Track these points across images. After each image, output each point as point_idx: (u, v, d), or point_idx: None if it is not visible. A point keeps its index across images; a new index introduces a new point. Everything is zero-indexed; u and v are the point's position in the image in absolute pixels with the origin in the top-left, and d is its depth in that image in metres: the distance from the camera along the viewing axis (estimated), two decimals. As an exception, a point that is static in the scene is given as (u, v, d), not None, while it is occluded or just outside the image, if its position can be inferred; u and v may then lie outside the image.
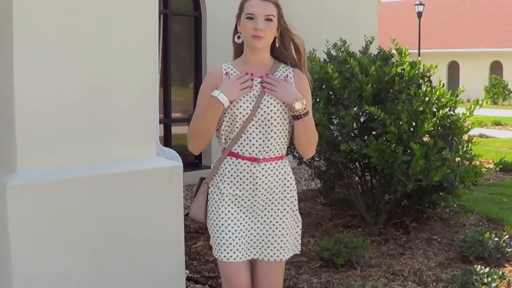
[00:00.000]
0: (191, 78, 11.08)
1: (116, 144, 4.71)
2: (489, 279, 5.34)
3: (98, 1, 4.58)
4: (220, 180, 3.67)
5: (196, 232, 7.15)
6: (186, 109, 10.92)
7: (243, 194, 3.63)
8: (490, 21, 44.84)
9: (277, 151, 3.66)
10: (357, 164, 7.49)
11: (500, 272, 5.55)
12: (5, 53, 4.24)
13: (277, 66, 3.68)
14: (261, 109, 3.56)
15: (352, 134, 7.24)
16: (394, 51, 7.57)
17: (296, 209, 3.79)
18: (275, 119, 3.59)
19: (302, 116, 3.59)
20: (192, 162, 10.44)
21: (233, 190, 3.63)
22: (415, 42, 35.10)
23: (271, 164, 3.64)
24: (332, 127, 7.17)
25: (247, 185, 3.62)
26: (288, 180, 3.73)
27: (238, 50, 3.71)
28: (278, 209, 3.69)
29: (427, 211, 7.77)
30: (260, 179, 3.61)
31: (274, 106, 3.57)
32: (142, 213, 4.73)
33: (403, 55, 7.20)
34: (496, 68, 42.70)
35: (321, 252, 6.14)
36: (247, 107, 3.56)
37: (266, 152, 3.61)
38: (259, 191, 3.63)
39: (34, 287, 4.25)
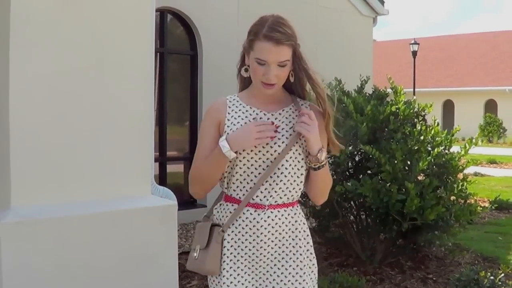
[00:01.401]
0: (187, 117, 11.10)
1: (110, 183, 4.71)
2: (485, 318, 5.32)
3: (95, 40, 4.61)
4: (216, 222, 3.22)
5: (190, 272, 7.10)
6: (182, 148, 10.94)
7: (246, 247, 3.12)
8: (484, 60, 45.13)
9: (287, 196, 3.13)
10: (352, 203, 7.47)
11: (496, 312, 5.52)
12: (1, 94, 4.26)
13: (291, 101, 3.22)
14: (272, 148, 3.07)
15: (347, 173, 7.24)
16: (389, 90, 7.60)
17: (314, 267, 3.27)
18: (286, 160, 3.09)
19: (322, 166, 3.13)
20: (188, 200, 10.42)
21: (235, 242, 3.14)
22: (410, 81, 35.26)
23: (278, 211, 3.11)
24: (327, 166, 7.16)
25: (250, 236, 3.10)
26: (300, 232, 3.18)
27: (246, 80, 3.23)
28: (284, 266, 3.14)
29: (423, 250, 7.76)
30: (265, 229, 3.08)
31: (286, 145, 3.08)
32: (136, 252, 4.72)
33: (398, 94, 7.24)
34: (490, 106, 42.87)
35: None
36: (256, 147, 3.07)
37: (273, 198, 3.09)
38: (266, 244, 3.10)
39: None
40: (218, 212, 3.25)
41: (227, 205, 3.19)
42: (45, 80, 4.37)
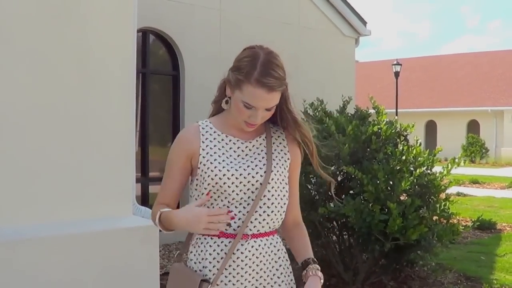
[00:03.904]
0: (169, 137, 11.09)
1: (91, 202, 4.69)
2: (468, 339, 5.31)
3: (78, 59, 4.60)
4: (196, 263, 2.96)
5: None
6: (164, 168, 10.90)
7: (229, 281, 2.90)
8: (467, 81, 45.42)
9: (269, 225, 2.96)
10: (334, 223, 7.46)
11: (479, 332, 5.51)
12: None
13: (264, 128, 3.05)
14: (253, 178, 2.91)
15: (329, 193, 7.23)
16: (371, 111, 7.62)
17: None
18: (269, 190, 2.94)
19: None
20: (170, 221, 10.37)
21: (214, 275, 2.88)
22: (392, 102, 35.38)
23: (261, 240, 2.94)
24: (309, 186, 7.15)
25: (234, 269, 2.90)
26: (282, 260, 3.06)
27: (220, 106, 3.03)
28: None
29: (405, 269, 7.76)
30: (250, 259, 2.91)
31: (272, 178, 2.94)
32: (117, 272, 4.68)
33: (380, 114, 7.26)
34: (473, 126, 43.09)
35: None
36: (236, 178, 2.89)
37: (255, 227, 2.92)
38: (248, 274, 2.93)
39: None
40: (196, 248, 3.00)
41: (211, 238, 2.93)
42: (26, 98, 4.35)
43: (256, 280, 2.96)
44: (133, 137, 5.24)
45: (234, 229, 2.88)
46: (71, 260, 4.46)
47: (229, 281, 2.90)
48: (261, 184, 2.91)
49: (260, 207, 2.92)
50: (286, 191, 3.03)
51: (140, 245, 4.83)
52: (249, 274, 2.93)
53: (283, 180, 3.01)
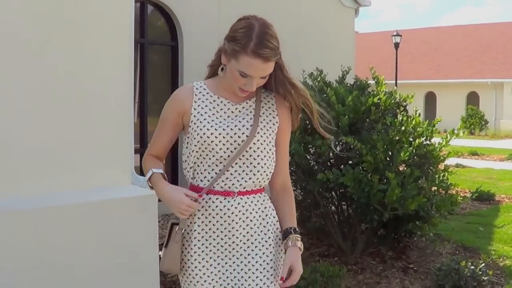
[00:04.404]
0: (168, 108, 11.03)
1: (90, 173, 4.68)
2: (465, 307, 5.33)
3: (74, 30, 4.57)
4: (188, 223, 3.16)
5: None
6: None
7: (217, 236, 3.10)
8: (467, 53, 45.29)
9: (255, 183, 3.11)
10: (333, 193, 7.47)
11: (477, 301, 5.53)
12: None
13: (259, 93, 3.17)
14: (239, 137, 3.05)
15: (328, 163, 7.24)
16: (370, 81, 7.60)
17: (282, 252, 3.22)
18: (254, 143, 3.07)
19: None
20: (169, 191, 10.39)
21: (206, 232, 3.11)
22: (392, 73, 35.26)
23: (248, 198, 3.10)
24: (308, 157, 7.16)
25: (221, 224, 3.08)
26: (269, 217, 3.18)
27: (216, 69, 3.17)
28: (255, 251, 3.13)
29: (404, 240, 7.78)
30: (236, 215, 3.07)
31: (258, 133, 3.07)
32: (116, 242, 4.69)
33: (379, 84, 7.24)
34: (472, 98, 43.04)
35: (297, 281, 6.09)
36: (224, 137, 3.04)
37: (241, 185, 3.07)
38: (236, 231, 3.09)
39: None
40: None
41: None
42: (23, 71, 4.33)
43: (244, 236, 3.12)
44: (131, 106, 5.23)
45: (221, 187, 3.08)
46: (70, 230, 4.46)
47: (217, 236, 3.11)
48: (243, 141, 3.05)
49: (243, 163, 3.08)
50: (273, 153, 3.17)
51: (138, 215, 4.83)
52: (237, 230, 3.10)
53: (270, 142, 3.15)
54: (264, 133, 3.11)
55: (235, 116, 3.11)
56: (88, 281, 4.53)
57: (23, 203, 4.29)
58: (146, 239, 4.89)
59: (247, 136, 3.06)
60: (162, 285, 5.77)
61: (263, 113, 3.15)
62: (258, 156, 3.09)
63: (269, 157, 3.13)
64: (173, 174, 10.69)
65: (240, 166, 3.08)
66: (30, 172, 4.38)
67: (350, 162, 6.99)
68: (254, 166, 3.09)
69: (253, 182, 3.10)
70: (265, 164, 3.11)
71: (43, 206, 4.37)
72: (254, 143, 3.07)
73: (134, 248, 4.79)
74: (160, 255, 3.25)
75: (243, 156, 3.07)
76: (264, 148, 3.11)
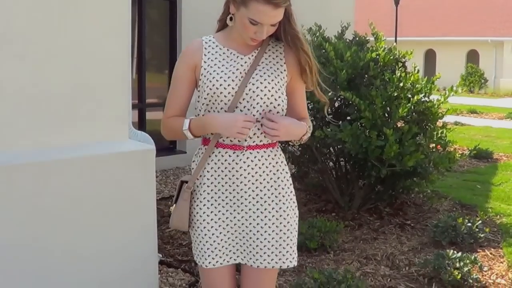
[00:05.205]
0: (166, 64, 11.00)
1: (87, 127, 4.66)
2: (461, 263, 5.35)
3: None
4: (196, 179, 3.17)
5: (169, 216, 7.11)
6: (161, 95, 10.85)
7: (226, 190, 3.11)
8: (467, 10, 45.01)
9: (265, 137, 3.08)
10: (331, 149, 7.47)
11: (473, 257, 5.56)
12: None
13: (266, 43, 3.16)
14: (248, 90, 3.06)
15: (326, 119, 7.23)
16: (369, 37, 7.56)
17: (296, 208, 3.25)
18: (264, 102, 3.05)
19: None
20: (167, 146, 10.41)
21: (215, 186, 3.11)
22: (391, 30, 35.05)
23: (258, 152, 3.09)
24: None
25: (229, 178, 3.08)
26: (281, 173, 3.16)
27: (225, 22, 3.16)
28: (266, 208, 3.12)
29: (401, 196, 7.81)
30: (245, 170, 3.06)
31: (265, 87, 3.06)
32: (114, 197, 4.69)
33: (378, 40, 7.20)
34: (472, 57, 42.91)
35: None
36: (233, 89, 3.05)
37: (251, 138, 3.06)
38: (245, 185, 3.08)
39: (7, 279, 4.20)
40: (197, 157, 3.23)
41: (205, 148, 3.15)
42: (22, 23, 4.30)
43: (253, 191, 3.11)
44: (129, 60, 5.19)
45: (231, 140, 3.10)
46: (67, 185, 4.46)
47: (226, 190, 3.12)
48: (253, 92, 3.06)
49: (253, 114, 3.06)
50: (282, 100, 3.12)
51: (136, 170, 4.82)
52: (245, 185, 3.10)
53: (279, 89, 3.11)
54: (268, 81, 3.09)
55: (243, 70, 3.09)
56: (84, 234, 4.54)
57: (22, 157, 4.29)
58: (144, 194, 4.88)
59: (253, 87, 3.06)
60: (159, 239, 5.79)
61: (270, 62, 3.16)
62: (264, 109, 3.07)
63: (278, 104, 3.09)
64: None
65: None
66: (29, 126, 4.36)
67: (348, 118, 6.98)
68: (259, 121, 3.06)
69: (261, 133, 3.08)
70: (271, 112, 3.08)
71: (42, 160, 4.36)
72: (261, 98, 3.06)
73: (132, 203, 4.78)
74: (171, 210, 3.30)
75: (248, 110, 3.07)
76: (277, 101, 3.09)
